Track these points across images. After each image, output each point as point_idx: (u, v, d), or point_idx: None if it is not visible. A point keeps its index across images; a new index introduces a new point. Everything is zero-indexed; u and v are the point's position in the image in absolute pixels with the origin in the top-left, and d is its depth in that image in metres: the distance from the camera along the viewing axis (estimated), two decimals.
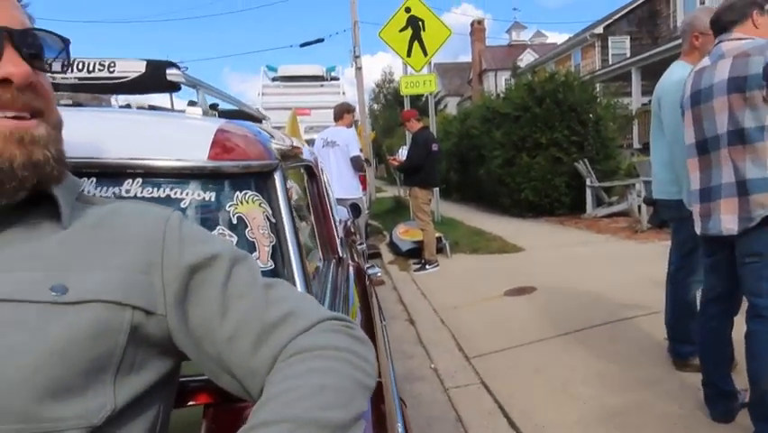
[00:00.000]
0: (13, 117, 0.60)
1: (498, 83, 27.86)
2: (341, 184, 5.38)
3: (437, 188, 8.18)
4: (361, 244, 2.81)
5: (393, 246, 7.28)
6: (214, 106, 2.02)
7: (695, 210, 2.21)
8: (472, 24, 32.75)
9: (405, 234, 7.15)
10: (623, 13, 20.65)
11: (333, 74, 8.66)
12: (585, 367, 3.04)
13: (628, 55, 17.99)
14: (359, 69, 14.32)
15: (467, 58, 36.07)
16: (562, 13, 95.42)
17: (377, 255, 7.34)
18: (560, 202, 9.08)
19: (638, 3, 20.20)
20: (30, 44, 0.62)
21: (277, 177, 0.97)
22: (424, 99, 9.34)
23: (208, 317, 0.65)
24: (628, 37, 20.47)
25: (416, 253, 6.48)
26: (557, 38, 42.07)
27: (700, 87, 2.13)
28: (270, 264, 0.90)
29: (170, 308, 0.64)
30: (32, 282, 0.58)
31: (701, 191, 2.17)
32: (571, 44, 23.21)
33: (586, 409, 2.57)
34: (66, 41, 0.67)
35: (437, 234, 6.45)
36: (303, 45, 14.46)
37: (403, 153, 7.39)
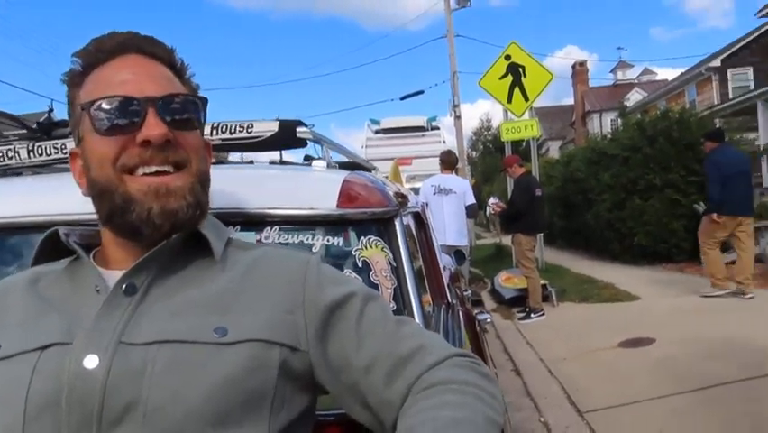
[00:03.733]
0: (155, 173, 0.70)
1: (602, 124, 26.87)
2: (452, 231, 5.40)
3: (541, 235, 7.94)
4: (466, 290, 2.80)
5: (495, 294, 7.13)
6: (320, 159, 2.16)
7: None
8: (574, 66, 32.15)
9: (507, 281, 6.99)
10: (744, 43, 19.28)
11: (433, 123, 8.87)
12: (716, 430, 2.75)
13: (752, 87, 16.64)
14: (458, 117, 14.55)
15: (570, 100, 35.29)
16: (673, 49, 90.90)
17: (479, 303, 7.21)
18: (678, 248, 8.41)
19: (762, 31, 18.79)
20: (170, 109, 0.71)
21: (397, 223, 1.04)
22: (524, 144, 9.26)
23: (345, 351, 0.71)
24: (751, 68, 18.99)
25: (519, 302, 6.29)
26: (667, 74, 40.00)
27: None
28: (393, 306, 0.95)
29: (312, 344, 0.71)
30: (199, 326, 0.67)
31: None
32: (684, 80, 21.96)
33: None
34: (203, 100, 0.77)
35: (542, 282, 6.23)
36: (403, 98, 14.94)
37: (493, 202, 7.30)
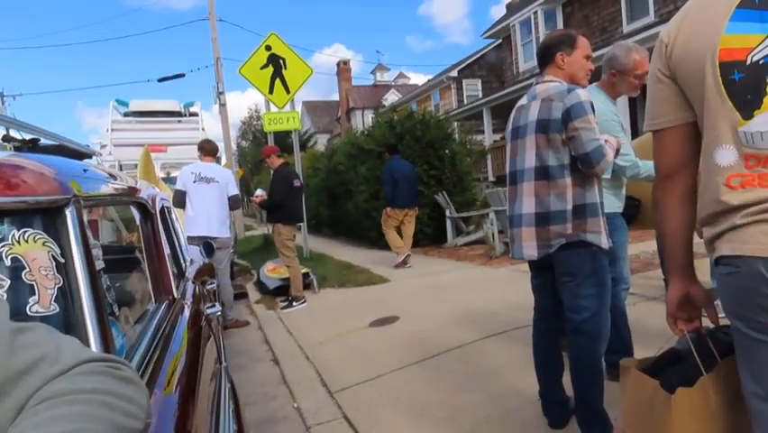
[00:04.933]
0: None
1: (364, 121, 28.82)
2: (211, 223, 5.14)
3: (304, 224, 8.15)
4: (211, 284, 2.68)
5: (260, 285, 7.08)
6: (33, 142, 1.84)
7: (509, 235, 2.44)
8: (339, 65, 33.73)
9: (272, 271, 7.00)
10: (474, 58, 22.61)
11: (191, 109, 8.33)
12: (440, 390, 3.15)
13: (480, 96, 19.64)
14: (223, 105, 14.03)
15: (337, 96, 36.96)
16: (425, 57, 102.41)
17: (243, 296, 7.07)
18: (423, 233, 9.49)
19: (486, 50, 22.27)
20: None
21: (69, 213, 0.90)
22: (291, 137, 9.39)
23: None
24: (480, 80, 22.38)
25: (283, 291, 6.36)
26: (420, 79, 44.85)
27: (519, 123, 2.37)
28: (54, 308, 0.82)
29: None
30: None
31: (510, 218, 2.40)
32: (430, 85, 24.82)
33: (441, 431, 2.66)
34: None
35: (304, 270, 6.39)
36: (161, 80, 13.78)
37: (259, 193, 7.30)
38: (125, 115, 7.95)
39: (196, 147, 7.49)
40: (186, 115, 8.16)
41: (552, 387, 2.48)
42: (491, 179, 15.92)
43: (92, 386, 0.58)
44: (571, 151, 2.15)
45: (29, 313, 0.79)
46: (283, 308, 5.92)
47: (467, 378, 3.28)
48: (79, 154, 2.21)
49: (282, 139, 10.21)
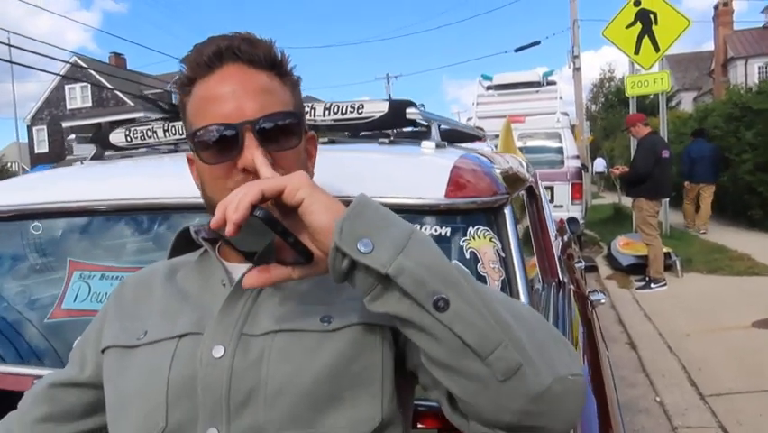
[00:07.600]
0: None
1: (747, 73, 23.77)
2: None
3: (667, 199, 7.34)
4: (578, 262, 2.68)
5: (611, 260, 6.76)
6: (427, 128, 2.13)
7: None
8: (716, 7, 28.46)
9: (626, 246, 6.58)
10: None
11: (549, 78, 8.31)
12: None
13: None
14: (577, 69, 13.61)
15: (709, 46, 31.53)
16: None
17: (593, 269, 6.87)
18: None
19: None
20: (268, 131, 0.70)
21: (507, 212, 1.01)
22: (651, 97, 8.48)
23: None
24: None
25: (638, 270, 5.91)
26: None
27: None
28: None
29: None
30: (308, 315, 0.72)
31: None
32: None
33: None
34: (295, 114, 0.75)
35: (665, 250, 5.79)
36: (518, 50, 14.25)
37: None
38: (488, 88, 8.49)
39: (553, 117, 7.52)
40: (544, 85, 8.20)
41: None
42: None
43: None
44: None
45: None
46: (639, 288, 5.52)
47: None
48: (470, 137, 2.46)
49: (639, 101, 9.25)
